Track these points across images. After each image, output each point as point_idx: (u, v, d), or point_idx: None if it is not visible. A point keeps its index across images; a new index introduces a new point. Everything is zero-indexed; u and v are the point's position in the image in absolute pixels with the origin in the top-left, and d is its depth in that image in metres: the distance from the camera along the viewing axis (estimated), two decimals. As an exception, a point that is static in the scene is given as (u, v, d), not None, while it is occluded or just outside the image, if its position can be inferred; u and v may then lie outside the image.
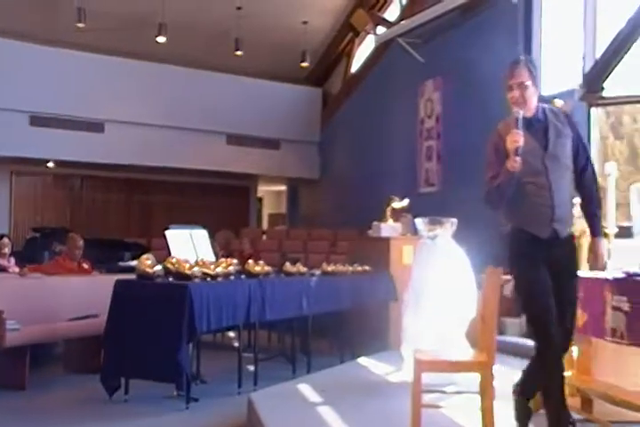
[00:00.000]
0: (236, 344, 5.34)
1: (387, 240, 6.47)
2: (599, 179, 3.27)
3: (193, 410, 4.30)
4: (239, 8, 11.14)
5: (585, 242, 4.00)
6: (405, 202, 6.82)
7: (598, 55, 6.56)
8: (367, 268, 6.34)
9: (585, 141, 3.18)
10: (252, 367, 4.99)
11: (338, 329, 5.98)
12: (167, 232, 5.25)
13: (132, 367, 4.39)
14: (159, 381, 4.43)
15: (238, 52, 11.71)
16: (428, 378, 3.30)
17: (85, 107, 10.99)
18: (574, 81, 6.71)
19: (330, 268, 6.07)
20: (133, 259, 8.11)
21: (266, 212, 17.11)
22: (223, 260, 5.09)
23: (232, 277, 4.90)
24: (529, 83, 3.02)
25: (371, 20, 11.41)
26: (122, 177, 13.11)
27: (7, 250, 6.43)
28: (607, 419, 3.43)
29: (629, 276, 3.28)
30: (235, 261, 5.10)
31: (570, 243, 3.08)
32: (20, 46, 10.52)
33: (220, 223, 10.13)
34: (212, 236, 5.87)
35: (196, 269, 4.60)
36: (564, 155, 3.03)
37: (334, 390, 4.43)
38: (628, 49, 6.28)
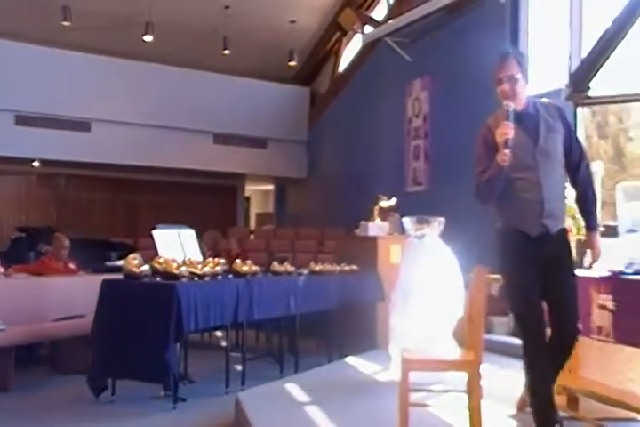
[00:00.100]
0: (224, 344, 5.32)
1: (374, 239, 6.48)
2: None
3: (180, 410, 4.29)
4: (227, 7, 11.11)
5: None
6: (393, 201, 6.83)
7: (584, 55, 6.60)
8: (355, 267, 6.35)
9: (577, 137, 3.13)
10: (239, 367, 4.98)
11: (325, 328, 5.98)
12: (154, 232, 5.23)
13: (119, 368, 4.37)
14: (146, 381, 4.41)
15: (226, 51, 11.68)
16: (415, 377, 3.30)
17: (71, 106, 10.91)
18: (561, 80, 6.74)
19: (317, 267, 6.06)
20: (120, 259, 8.06)
21: (253, 211, 17.07)
22: (210, 259, 5.08)
23: (219, 277, 4.89)
24: (519, 76, 2.97)
25: (358, 19, 11.41)
26: (108, 176, 13.03)
27: (-8, 250, 6.38)
28: (593, 416, 3.45)
29: (615, 274, 3.30)
30: (222, 260, 5.09)
31: (562, 239, 3.01)
32: (5, 45, 10.42)
33: (207, 223, 10.09)
34: (199, 235, 5.85)
35: (183, 268, 4.59)
36: (555, 150, 2.97)
37: (322, 389, 4.43)
38: (614, 49, 6.32)
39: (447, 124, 8.45)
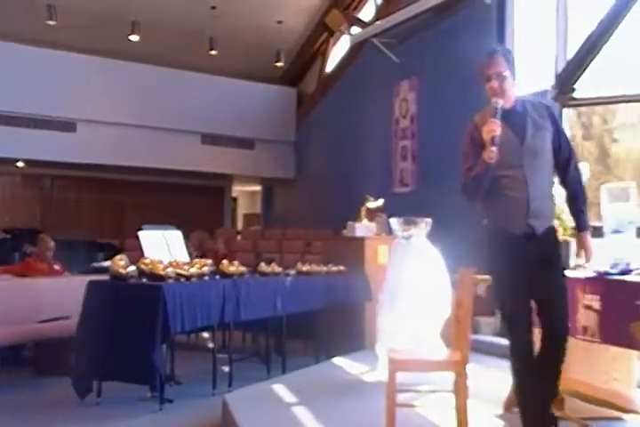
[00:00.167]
0: (211, 345, 5.30)
1: (361, 240, 6.48)
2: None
3: (167, 412, 4.27)
4: (213, 7, 11.08)
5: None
6: (380, 202, 6.84)
7: (570, 56, 6.64)
8: (342, 268, 6.35)
9: (566, 136, 3.08)
10: (226, 368, 4.96)
11: (312, 329, 5.97)
12: (141, 233, 5.21)
13: (105, 369, 4.34)
14: (133, 382, 4.39)
15: (212, 52, 11.65)
16: (402, 377, 3.30)
17: (57, 106, 10.82)
18: (547, 82, 6.78)
19: (305, 268, 6.06)
20: (106, 260, 8.02)
21: (240, 212, 17.03)
22: (197, 260, 5.06)
23: (206, 278, 4.87)
24: (507, 73, 2.94)
25: (345, 20, 11.42)
26: (94, 177, 12.94)
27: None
28: (579, 416, 3.47)
29: (600, 275, 3.32)
30: (209, 261, 5.08)
31: (549, 238, 2.96)
32: (-11, 43, 10.34)
33: (194, 224, 10.04)
34: (186, 236, 5.83)
35: (169, 269, 4.57)
36: (542, 148, 2.94)
37: (309, 390, 4.43)
38: (599, 50, 6.36)
39: (434, 125, 8.48)
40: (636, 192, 3.87)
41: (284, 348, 5.56)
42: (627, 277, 3.22)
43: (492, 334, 6.33)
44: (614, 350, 3.63)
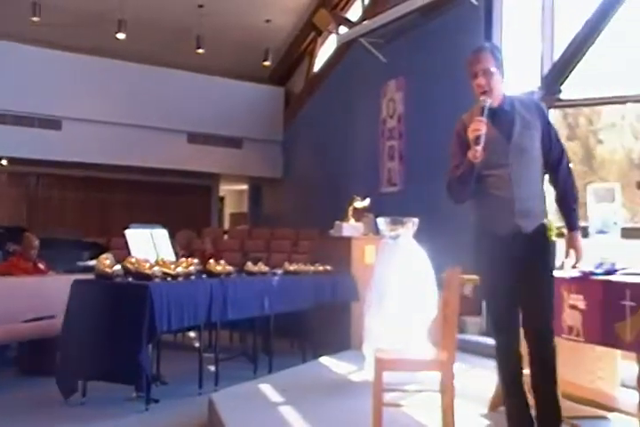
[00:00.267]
0: (197, 344, 5.28)
1: (348, 240, 6.49)
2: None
3: (153, 411, 4.25)
4: (201, 6, 11.04)
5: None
6: (367, 202, 6.84)
7: (556, 57, 6.68)
8: (329, 267, 6.35)
9: (557, 134, 3.00)
10: (212, 368, 4.95)
11: (300, 329, 5.97)
12: (127, 231, 5.18)
13: (90, 369, 4.31)
14: (118, 382, 4.36)
15: (200, 50, 11.61)
16: (389, 377, 3.31)
17: (42, 103, 10.73)
18: (533, 83, 6.82)
19: (292, 267, 6.06)
20: (92, 259, 7.96)
21: (227, 211, 17.00)
22: (184, 259, 5.04)
23: (193, 277, 4.85)
24: (494, 70, 2.87)
25: (333, 19, 11.42)
26: (80, 175, 12.86)
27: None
28: (564, 415, 3.49)
29: (585, 275, 3.34)
30: (195, 260, 5.06)
31: (538, 238, 2.87)
32: (-27, 40, 10.25)
33: (181, 223, 9.99)
34: (172, 235, 5.81)
35: (156, 268, 4.55)
36: (531, 147, 2.87)
37: (296, 389, 4.42)
38: (586, 52, 6.41)
39: (422, 125, 8.50)
40: (620, 193, 3.91)
41: (271, 347, 5.55)
42: (612, 277, 3.25)
43: (478, 333, 6.36)
44: (599, 349, 3.66)
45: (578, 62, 6.50)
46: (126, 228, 5.27)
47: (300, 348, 6.04)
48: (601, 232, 3.86)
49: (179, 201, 13.71)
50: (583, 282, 3.34)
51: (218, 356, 4.96)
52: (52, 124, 11.13)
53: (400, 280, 4.70)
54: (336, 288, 6.17)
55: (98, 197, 13.30)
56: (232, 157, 12.87)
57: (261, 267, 5.70)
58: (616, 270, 3.36)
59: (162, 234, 5.46)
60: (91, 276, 4.68)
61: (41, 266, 6.29)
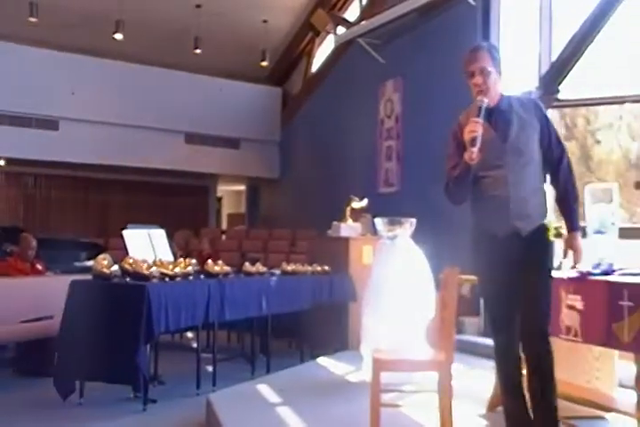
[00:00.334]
0: (195, 345, 5.28)
1: (346, 240, 6.49)
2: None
3: (151, 412, 4.24)
4: (199, 6, 11.03)
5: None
6: (365, 202, 6.85)
7: (554, 58, 6.69)
8: (327, 268, 6.35)
9: (557, 133, 2.95)
10: (210, 368, 4.94)
11: (297, 329, 5.97)
12: (125, 232, 5.18)
13: (88, 369, 4.30)
14: (116, 383, 4.35)
15: (197, 51, 11.59)
16: (387, 377, 3.31)
17: (39, 104, 10.71)
18: (531, 83, 6.83)
19: (289, 268, 6.06)
20: (90, 259, 7.95)
21: (225, 211, 16.99)
22: (182, 260, 5.04)
23: (191, 278, 4.85)
24: (491, 69, 2.82)
25: (331, 20, 11.41)
26: (78, 175, 12.84)
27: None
28: (561, 415, 3.49)
29: (583, 275, 3.35)
30: (193, 261, 5.05)
31: (536, 239, 2.82)
32: (-30, 40, 10.23)
33: (178, 223, 10.01)
34: (170, 236, 5.80)
35: (154, 269, 4.54)
36: (528, 147, 2.82)
37: (294, 390, 4.42)
38: (583, 52, 6.42)
39: (419, 126, 8.50)
40: (618, 193, 3.91)
41: (268, 348, 5.56)
42: (610, 278, 3.25)
43: (476, 334, 6.36)
44: (597, 349, 3.67)
45: (576, 62, 6.51)
46: (124, 228, 5.27)
47: (297, 348, 6.04)
48: (598, 232, 3.86)
49: (176, 201, 13.70)
50: (581, 282, 3.34)
51: (215, 356, 4.96)
52: (50, 124, 11.11)
53: (398, 281, 4.70)
54: (334, 289, 6.17)
55: (95, 198, 13.28)
56: (229, 157, 12.86)
57: (259, 267, 5.70)
58: (614, 271, 3.36)
59: (159, 234, 5.46)
60: (88, 276, 4.67)
61: (38, 266, 6.27)
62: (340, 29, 10.86)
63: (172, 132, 12.13)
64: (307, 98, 12.47)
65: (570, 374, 3.73)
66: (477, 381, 4.43)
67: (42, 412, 4.30)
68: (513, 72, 6.76)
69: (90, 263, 6.15)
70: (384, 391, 3.28)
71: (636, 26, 6.03)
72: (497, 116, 2.85)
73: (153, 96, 11.71)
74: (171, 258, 5.27)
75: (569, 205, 2.91)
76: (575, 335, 3.34)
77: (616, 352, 3.64)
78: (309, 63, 12.97)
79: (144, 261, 4.60)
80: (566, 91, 6.63)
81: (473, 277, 3.08)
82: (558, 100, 6.66)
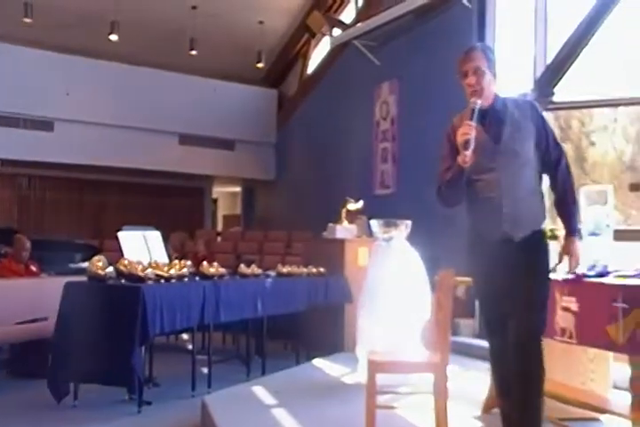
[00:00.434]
0: (190, 346, 5.27)
1: (342, 242, 6.48)
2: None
3: (146, 414, 4.23)
4: (194, 7, 11.03)
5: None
6: (360, 204, 6.85)
7: (549, 60, 6.70)
8: (322, 269, 6.34)
9: (555, 135, 2.90)
10: (205, 370, 4.93)
11: (293, 331, 5.96)
12: (120, 233, 5.16)
13: (82, 372, 4.28)
14: (111, 385, 4.34)
15: (193, 52, 11.59)
16: (382, 379, 3.31)
17: (34, 105, 10.69)
18: (526, 85, 6.84)
19: (285, 269, 6.05)
20: (84, 261, 7.93)
21: (221, 213, 16.97)
22: (177, 261, 5.03)
23: (186, 279, 4.84)
24: (485, 69, 2.76)
25: (326, 21, 11.42)
26: (72, 177, 12.81)
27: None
28: (555, 416, 3.50)
29: (578, 277, 3.35)
30: (188, 262, 5.04)
31: (531, 244, 2.76)
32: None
33: (174, 225, 9.99)
34: (165, 238, 5.79)
35: (149, 270, 4.53)
36: (522, 150, 2.75)
37: (289, 392, 4.42)
38: (579, 54, 6.44)
39: (415, 128, 8.51)
40: (613, 195, 3.93)
41: (264, 349, 5.55)
42: (604, 280, 3.26)
43: (471, 335, 6.37)
44: (591, 351, 3.68)
45: (571, 65, 6.53)
46: (119, 230, 5.26)
47: (293, 350, 6.03)
48: (593, 234, 3.88)
49: (172, 203, 13.68)
50: (576, 284, 3.35)
51: (211, 358, 4.95)
52: (45, 125, 11.09)
53: (393, 282, 4.70)
54: (329, 290, 6.17)
55: (90, 199, 13.25)
56: (225, 158, 12.86)
57: (254, 269, 5.69)
58: (609, 273, 3.37)
59: (155, 236, 5.45)
60: (83, 278, 4.65)
61: (33, 268, 6.25)
62: (336, 31, 10.86)
63: (166, 133, 12.13)
64: (302, 100, 12.48)
65: (564, 375, 3.75)
66: (473, 382, 4.43)
67: (36, 414, 4.28)
68: (508, 74, 6.79)
69: (84, 265, 6.13)
70: (379, 393, 3.28)
71: (630, 29, 6.05)
72: (491, 118, 2.80)
73: (148, 97, 11.70)
74: (166, 260, 5.26)
75: (568, 208, 2.84)
76: (570, 337, 3.35)
77: (611, 354, 3.65)
78: (305, 65, 12.97)
79: (139, 263, 4.59)
80: (561, 93, 6.65)
81: (468, 279, 3.07)
82: (553, 103, 6.67)
